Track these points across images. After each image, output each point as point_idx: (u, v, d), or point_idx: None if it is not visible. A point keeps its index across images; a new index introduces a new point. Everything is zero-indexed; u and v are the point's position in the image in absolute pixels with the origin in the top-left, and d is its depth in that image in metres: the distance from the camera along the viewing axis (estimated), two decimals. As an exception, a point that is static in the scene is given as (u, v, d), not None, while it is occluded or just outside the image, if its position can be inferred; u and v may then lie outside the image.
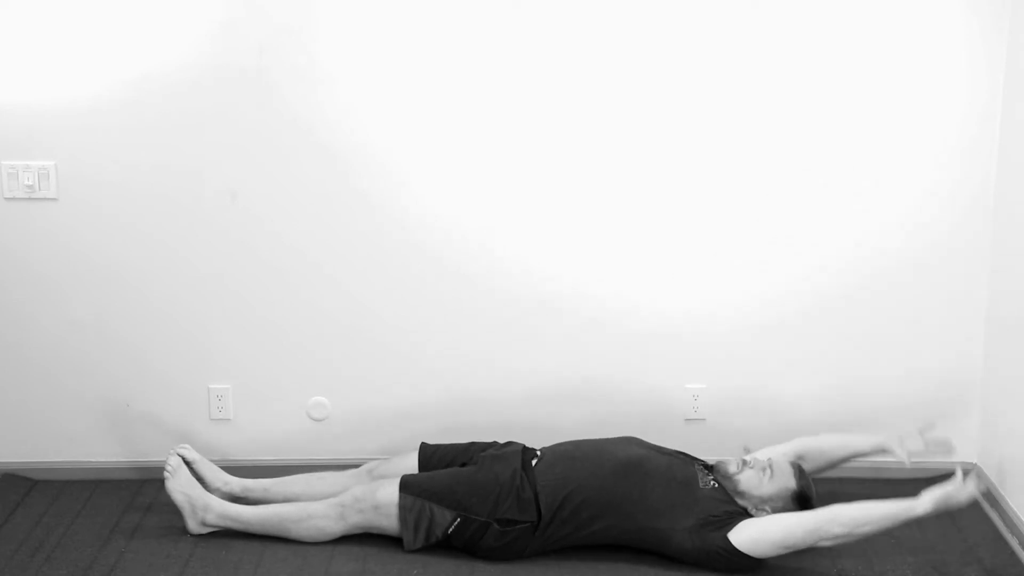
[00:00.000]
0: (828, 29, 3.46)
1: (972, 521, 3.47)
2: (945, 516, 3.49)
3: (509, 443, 3.46)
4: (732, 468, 3.26)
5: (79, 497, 3.59)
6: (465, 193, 3.58)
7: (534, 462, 3.31)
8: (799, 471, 3.28)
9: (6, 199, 3.54)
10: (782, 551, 3.11)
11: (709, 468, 3.33)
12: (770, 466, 3.26)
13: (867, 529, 3.07)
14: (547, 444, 3.44)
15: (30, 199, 3.54)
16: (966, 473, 3.13)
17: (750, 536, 3.13)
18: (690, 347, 3.69)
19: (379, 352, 3.70)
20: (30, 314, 3.64)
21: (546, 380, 3.72)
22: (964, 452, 3.75)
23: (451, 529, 3.20)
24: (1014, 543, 3.36)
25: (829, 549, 3.29)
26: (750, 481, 3.24)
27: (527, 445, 3.42)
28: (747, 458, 3.30)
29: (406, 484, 3.24)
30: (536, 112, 3.52)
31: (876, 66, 3.48)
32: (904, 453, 3.38)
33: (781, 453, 3.40)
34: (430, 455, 3.44)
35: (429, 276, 3.64)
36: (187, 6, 3.42)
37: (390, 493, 3.23)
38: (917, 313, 3.66)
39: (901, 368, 3.70)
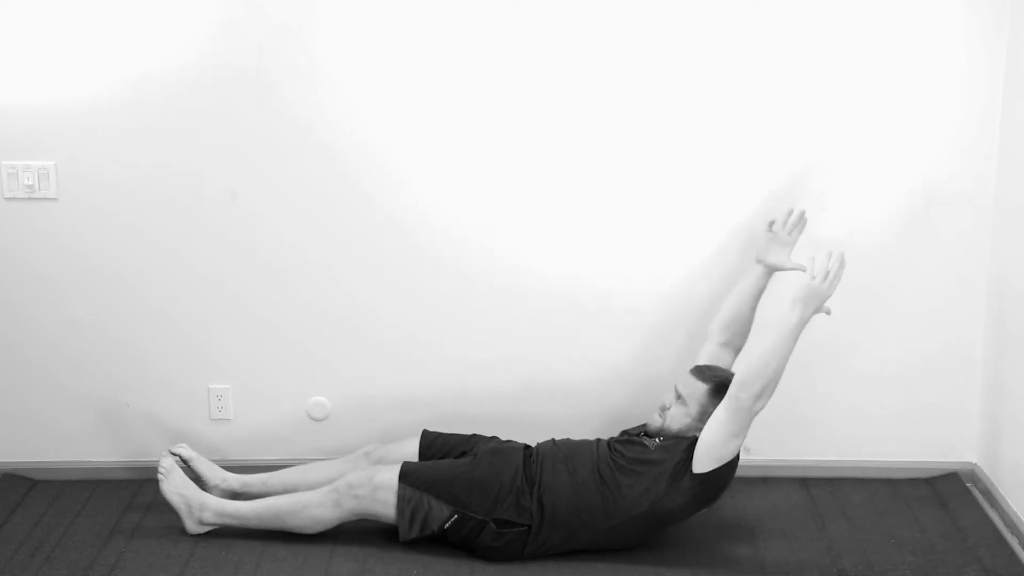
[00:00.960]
0: (828, 29, 3.46)
1: (972, 521, 3.47)
2: (945, 516, 3.50)
3: (510, 441, 3.46)
4: (657, 421, 3.30)
5: (79, 497, 3.60)
6: (465, 192, 3.58)
7: (533, 462, 3.31)
8: (698, 371, 3.30)
9: (6, 199, 3.54)
10: (735, 440, 3.11)
11: (644, 431, 3.35)
12: (678, 393, 3.28)
13: (773, 367, 3.04)
14: (540, 439, 3.44)
15: (30, 199, 3.54)
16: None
17: (703, 454, 3.15)
18: (688, 343, 3.68)
19: (379, 352, 3.70)
20: (30, 314, 3.64)
21: (546, 378, 3.72)
22: (964, 452, 3.76)
23: (447, 524, 3.21)
24: (1014, 543, 3.36)
25: (828, 550, 3.30)
26: (676, 418, 3.27)
27: (526, 444, 3.42)
28: (663, 403, 3.32)
29: (406, 474, 3.23)
30: (535, 112, 3.52)
31: (876, 66, 3.48)
32: (783, 262, 3.39)
33: (711, 357, 3.41)
34: (431, 442, 3.44)
35: (429, 276, 3.64)
36: (187, 6, 3.42)
37: (389, 479, 3.23)
38: (916, 313, 3.66)
39: (900, 368, 3.70)
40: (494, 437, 3.47)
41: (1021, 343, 3.43)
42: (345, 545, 3.29)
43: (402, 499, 3.21)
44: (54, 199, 3.54)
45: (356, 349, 3.70)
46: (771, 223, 3.46)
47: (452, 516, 3.20)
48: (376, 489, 3.22)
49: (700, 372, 3.29)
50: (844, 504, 3.58)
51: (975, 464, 3.74)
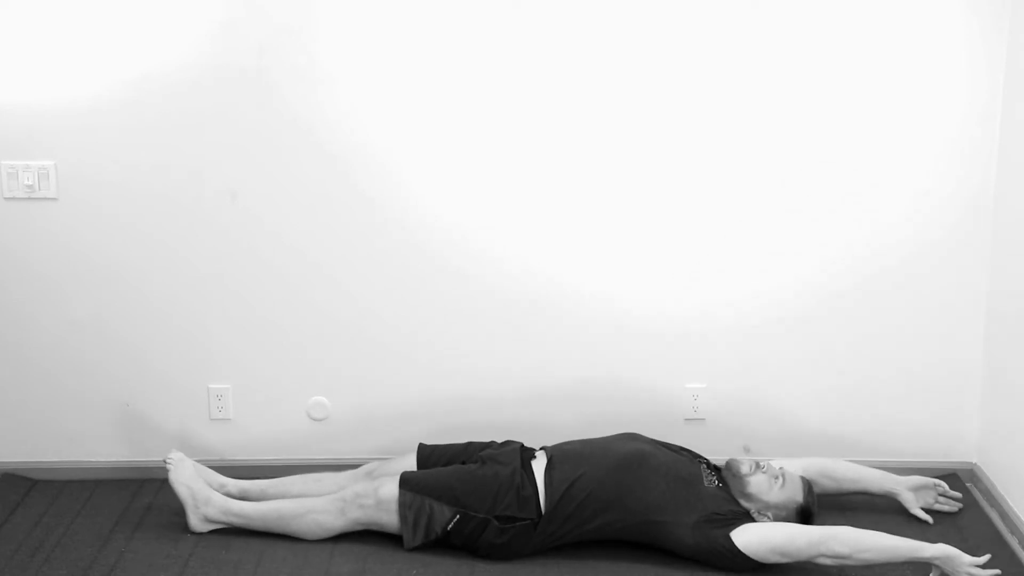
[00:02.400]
0: (828, 30, 3.46)
1: (972, 521, 3.46)
2: (945, 516, 3.50)
3: (507, 442, 3.46)
4: (745, 469, 3.27)
5: (79, 497, 3.59)
6: (465, 193, 3.58)
7: (533, 461, 3.32)
8: (808, 487, 3.30)
9: (6, 199, 3.54)
10: (781, 558, 3.11)
11: (713, 468, 3.34)
12: (782, 475, 3.28)
13: (869, 556, 3.06)
14: (547, 443, 3.44)
15: (30, 199, 3.54)
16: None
17: (752, 537, 3.13)
18: (690, 347, 3.69)
19: (379, 352, 3.70)
20: (30, 314, 3.64)
21: (546, 380, 3.72)
22: (964, 452, 3.76)
23: (450, 526, 3.20)
24: (1014, 543, 3.36)
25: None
26: (760, 485, 3.25)
27: (525, 444, 3.42)
28: (760, 462, 3.31)
29: (406, 480, 3.24)
30: (536, 113, 3.52)
31: (876, 66, 3.48)
32: (917, 508, 3.44)
33: (793, 467, 3.41)
34: (428, 455, 3.44)
35: (429, 276, 3.64)
36: (187, 6, 3.42)
37: (391, 490, 3.23)
38: (917, 313, 3.66)
39: (900, 368, 3.70)
40: (491, 442, 3.47)
41: (1021, 343, 3.43)
42: (345, 545, 3.29)
43: (403, 505, 3.21)
44: (54, 199, 3.54)
45: (356, 349, 3.70)
46: (941, 482, 3.50)
47: (454, 517, 3.20)
48: (381, 501, 3.24)
49: (808, 488, 3.30)
50: (844, 504, 3.57)
51: (975, 464, 3.74)
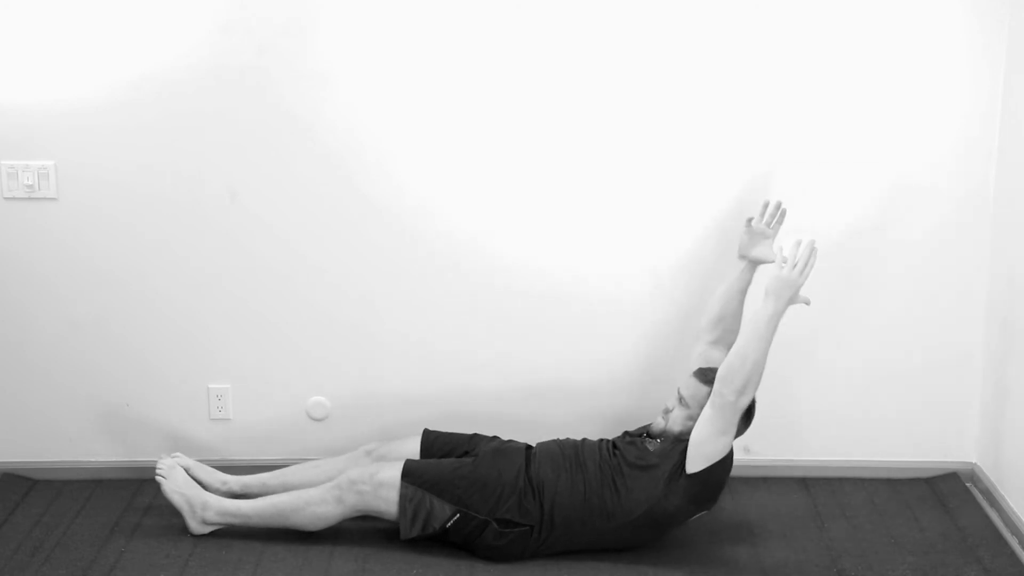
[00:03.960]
0: (828, 29, 3.46)
1: (972, 521, 3.47)
2: (945, 516, 3.50)
3: (511, 441, 3.46)
4: (660, 423, 3.30)
5: (78, 497, 3.60)
6: (464, 192, 3.58)
7: (532, 462, 3.32)
8: (700, 374, 3.28)
9: (6, 199, 3.54)
10: (723, 437, 3.11)
11: (647, 432, 3.35)
12: (680, 395, 3.28)
13: (754, 360, 3.03)
14: (541, 440, 3.44)
15: (30, 199, 3.54)
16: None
17: (694, 454, 3.15)
18: (690, 344, 3.68)
19: (379, 351, 3.70)
20: (30, 314, 3.64)
21: (546, 378, 3.72)
22: (964, 452, 3.76)
23: (450, 524, 3.20)
24: (1014, 543, 3.36)
25: (828, 549, 3.31)
26: (678, 420, 3.27)
27: (528, 444, 3.42)
28: (666, 405, 3.32)
29: (408, 472, 3.23)
30: (534, 110, 3.52)
31: (876, 66, 3.48)
32: (765, 254, 3.37)
33: (700, 357, 3.39)
34: (432, 441, 3.44)
35: (429, 276, 3.64)
36: (187, 6, 3.42)
37: (392, 477, 3.22)
38: (916, 313, 3.66)
39: (900, 368, 3.70)
40: (495, 437, 3.47)
41: (1021, 343, 3.43)
42: (345, 545, 3.29)
43: (404, 497, 3.21)
44: (54, 199, 3.54)
45: (356, 349, 3.70)
46: (750, 219, 3.44)
47: (454, 516, 3.20)
48: (379, 486, 3.22)
49: (703, 374, 3.29)
50: (844, 504, 3.58)
51: (975, 464, 3.74)
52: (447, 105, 3.51)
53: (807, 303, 3.13)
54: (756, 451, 3.72)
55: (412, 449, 3.43)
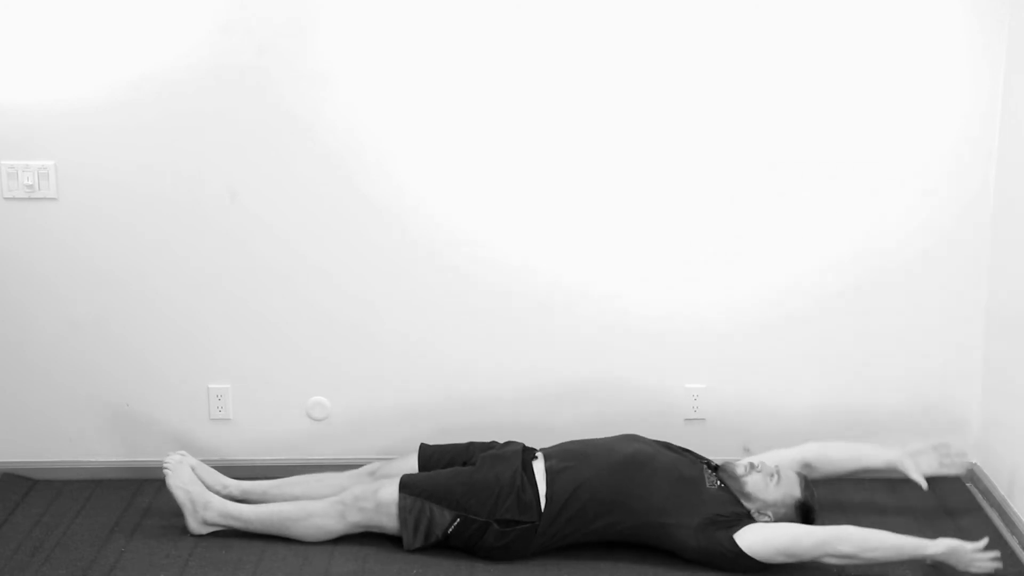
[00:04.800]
0: (829, 30, 3.46)
1: (972, 521, 3.46)
2: (945, 516, 3.50)
3: (509, 443, 3.45)
4: (740, 470, 3.27)
5: (79, 497, 3.59)
6: (465, 193, 3.58)
7: (534, 462, 3.31)
8: (805, 482, 3.29)
9: (6, 199, 3.54)
10: (785, 559, 3.12)
11: (714, 468, 3.34)
12: (777, 472, 3.27)
13: (874, 555, 3.07)
14: (547, 444, 3.44)
15: (30, 199, 3.54)
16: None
17: (756, 539, 3.13)
18: (690, 347, 3.69)
19: (379, 352, 3.70)
20: (30, 314, 3.64)
21: (546, 380, 3.72)
22: (964, 452, 3.75)
23: (451, 529, 3.20)
24: (1014, 543, 3.36)
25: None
26: (756, 485, 3.25)
27: (527, 445, 3.42)
28: (755, 462, 3.31)
29: (405, 484, 3.24)
30: (536, 112, 3.52)
31: (876, 66, 3.48)
32: (918, 474, 3.39)
33: (789, 459, 3.41)
34: (429, 456, 3.44)
35: (429, 275, 3.64)
36: (187, 6, 3.42)
37: (391, 492, 3.23)
38: (917, 313, 3.66)
39: (901, 368, 3.70)
40: (492, 442, 3.47)
41: (1021, 343, 3.43)
42: (345, 545, 3.29)
43: (403, 508, 3.21)
44: (54, 199, 3.54)
45: (356, 349, 3.70)
46: (943, 444, 3.47)
47: (454, 520, 3.20)
48: (380, 504, 3.23)
49: (806, 483, 3.28)
50: (844, 504, 3.57)
51: (975, 464, 3.74)
52: (447, 105, 3.51)
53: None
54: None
55: (412, 466, 3.42)
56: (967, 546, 3.05)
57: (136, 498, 3.59)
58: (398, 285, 3.64)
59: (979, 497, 3.63)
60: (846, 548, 3.07)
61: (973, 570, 3.07)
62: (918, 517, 3.49)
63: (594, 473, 3.22)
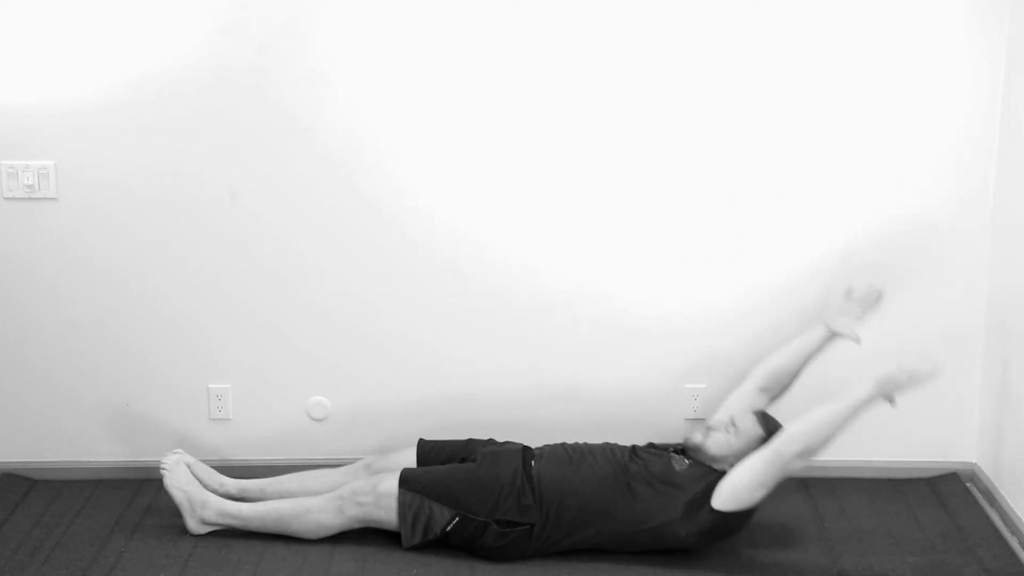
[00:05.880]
0: (829, 30, 3.46)
1: (972, 521, 3.46)
2: (945, 516, 3.50)
3: (508, 442, 3.46)
4: (697, 439, 3.28)
5: (79, 497, 3.60)
6: (464, 193, 3.58)
7: (534, 462, 3.31)
8: (762, 416, 3.29)
9: (6, 199, 3.54)
10: (761, 490, 3.11)
11: (679, 450, 3.34)
12: (732, 422, 3.28)
13: (823, 434, 3.06)
14: (545, 443, 3.44)
15: (30, 199, 3.54)
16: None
17: (727, 494, 3.14)
18: (690, 347, 3.69)
19: (379, 352, 3.70)
20: (30, 314, 3.64)
21: (546, 379, 3.72)
22: (964, 452, 3.76)
23: (449, 527, 3.21)
24: (1014, 543, 3.36)
25: (828, 550, 3.30)
26: (719, 443, 3.25)
27: (526, 445, 3.42)
28: (710, 423, 3.32)
29: (406, 479, 3.24)
30: (535, 112, 3.52)
31: (876, 66, 3.48)
32: (849, 330, 3.39)
33: (745, 397, 3.41)
34: (428, 451, 3.44)
35: (429, 275, 3.64)
36: (187, 6, 3.42)
37: (391, 486, 3.23)
38: (917, 313, 3.66)
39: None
40: (491, 440, 3.47)
41: (1021, 343, 3.43)
42: (345, 545, 3.29)
43: (403, 504, 3.21)
44: (54, 199, 3.54)
45: (356, 349, 3.70)
46: (849, 290, 3.46)
47: (453, 519, 3.20)
48: (380, 497, 3.23)
49: (764, 420, 3.29)
50: (844, 504, 3.57)
51: (975, 464, 3.74)
52: (447, 105, 3.51)
53: (892, 403, 3.16)
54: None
55: (409, 460, 3.43)
56: (895, 370, 3.03)
57: (136, 498, 3.59)
58: (398, 285, 3.64)
59: (979, 497, 3.63)
60: (797, 447, 3.06)
61: (919, 382, 3.04)
62: (917, 516, 3.50)
63: (578, 484, 3.22)
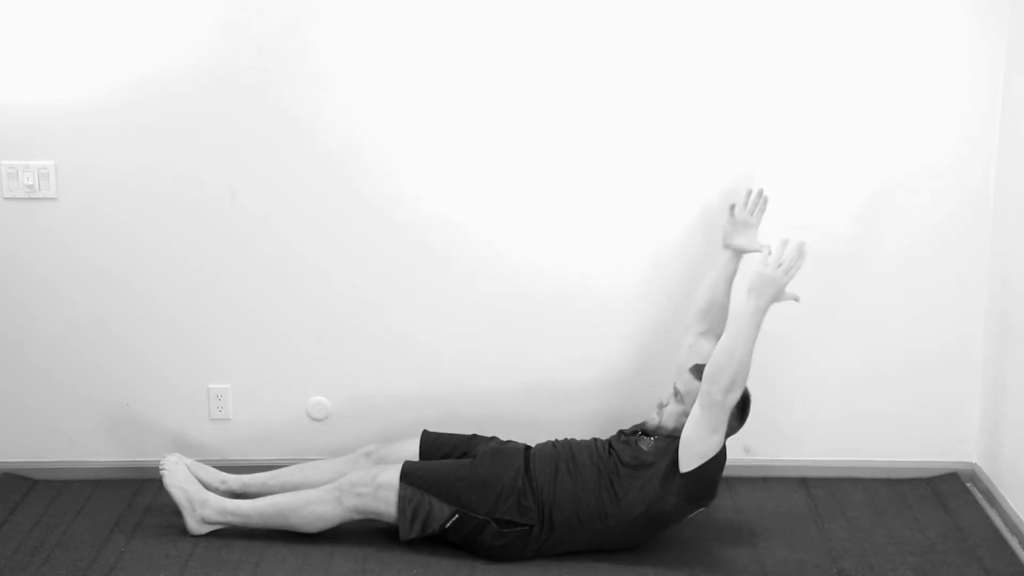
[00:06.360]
0: (828, 29, 3.46)
1: (972, 521, 3.46)
2: (945, 516, 3.50)
3: (510, 441, 3.46)
4: (654, 419, 3.30)
5: (79, 497, 3.60)
6: (464, 191, 3.58)
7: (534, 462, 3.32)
8: (696, 370, 3.26)
9: (6, 199, 3.54)
10: (714, 435, 3.10)
11: (640, 431, 3.34)
12: (676, 390, 3.28)
13: (739, 358, 3.03)
14: (543, 439, 3.44)
15: (30, 199, 3.54)
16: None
17: (686, 452, 3.14)
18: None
19: (379, 351, 3.70)
20: (30, 314, 3.64)
21: (547, 379, 3.72)
22: (964, 452, 3.76)
23: (448, 524, 3.20)
24: (1014, 543, 3.36)
25: (828, 550, 3.30)
26: (673, 415, 3.26)
27: (528, 445, 3.42)
28: (660, 400, 3.32)
29: (407, 473, 3.23)
30: (535, 109, 3.52)
31: (876, 66, 3.48)
32: (749, 243, 3.37)
33: (690, 348, 3.38)
34: (431, 443, 3.44)
35: (429, 275, 3.64)
36: (187, 6, 3.42)
37: (391, 478, 3.23)
38: (916, 313, 3.66)
39: (900, 368, 3.70)
40: (494, 437, 3.47)
41: (1021, 343, 3.43)
42: (345, 545, 3.29)
43: (403, 498, 3.21)
44: (54, 199, 3.54)
45: (356, 349, 3.70)
46: (732, 206, 3.44)
47: (453, 516, 3.20)
48: (379, 488, 3.23)
49: (698, 371, 3.27)
50: (844, 504, 3.57)
51: (975, 464, 3.74)
52: (447, 105, 3.51)
53: (796, 299, 3.12)
54: (756, 451, 3.72)
55: (411, 451, 3.43)
56: (766, 269, 3.02)
57: (136, 498, 3.59)
58: (398, 285, 3.64)
59: (979, 497, 3.63)
60: (724, 381, 3.03)
61: (793, 273, 3.03)
62: (917, 516, 3.50)
63: (568, 488, 3.22)
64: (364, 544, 3.30)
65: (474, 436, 3.46)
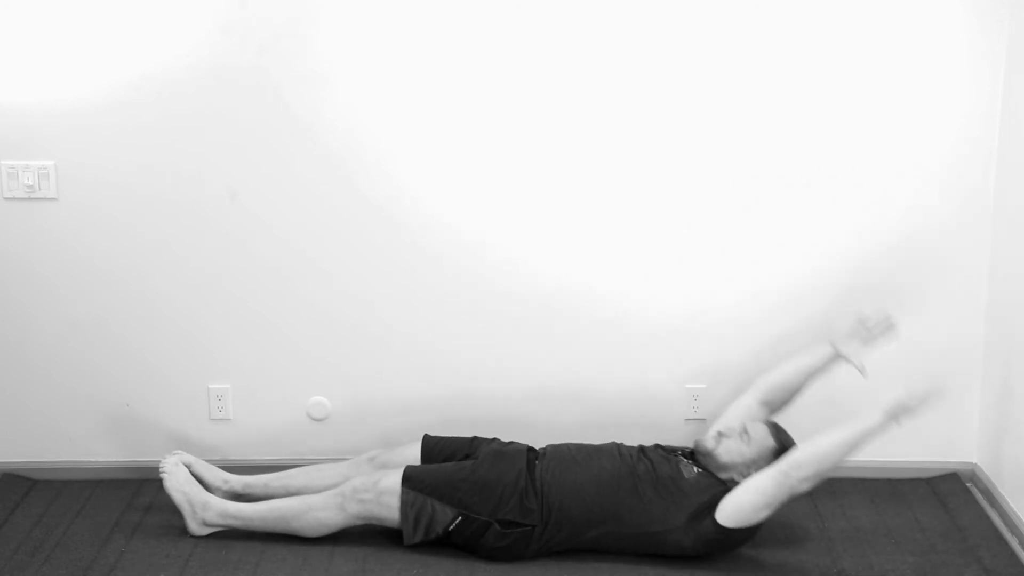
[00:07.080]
0: (829, 30, 3.46)
1: (972, 521, 3.46)
2: (945, 516, 3.50)
3: (512, 442, 3.45)
4: (710, 444, 3.27)
5: (79, 497, 3.60)
6: (465, 193, 3.58)
7: (537, 463, 3.31)
8: (775, 429, 3.29)
9: (6, 199, 3.54)
10: (766, 510, 3.10)
11: (689, 455, 3.33)
12: (745, 430, 3.27)
13: (833, 459, 3.05)
14: (547, 443, 3.44)
15: (30, 199, 3.54)
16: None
17: (731, 509, 3.13)
18: (690, 347, 3.69)
19: (379, 352, 3.70)
20: (30, 314, 3.64)
21: (547, 380, 3.72)
22: (964, 452, 3.76)
23: (452, 527, 3.20)
24: (1014, 543, 3.36)
25: (828, 550, 3.30)
26: (730, 451, 3.24)
27: (530, 446, 3.42)
28: (722, 429, 3.30)
29: (408, 477, 3.23)
30: (536, 111, 3.52)
31: (877, 66, 3.48)
32: (855, 356, 3.38)
33: (748, 408, 3.40)
34: (432, 447, 3.44)
35: (430, 276, 3.64)
36: (187, 6, 3.42)
37: (393, 483, 3.23)
38: (917, 313, 3.66)
39: (900, 368, 3.69)
40: (495, 439, 3.47)
41: (1021, 343, 3.43)
42: (345, 545, 3.29)
43: (405, 503, 3.21)
44: (54, 199, 3.54)
45: (356, 349, 3.70)
46: (862, 316, 3.43)
47: (456, 518, 3.20)
48: (381, 494, 3.23)
49: (776, 431, 3.28)
50: (844, 504, 3.57)
51: (975, 464, 3.74)
52: (447, 105, 3.51)
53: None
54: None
55: (413, 455, 3.42)
56: (903, 396, 3.01)
57: (136, 498, 3.59)
58: (398, 285, 3.64)
59: (979, 497, 3.63)
60: (807, 471, 3.05)
61: (927, 404, 3.02)
62: (917, 516, 3.50)
63: (583, 484, 3.21)
64: (364, 544, 3.30)
65: (475, 438, 3.46)
